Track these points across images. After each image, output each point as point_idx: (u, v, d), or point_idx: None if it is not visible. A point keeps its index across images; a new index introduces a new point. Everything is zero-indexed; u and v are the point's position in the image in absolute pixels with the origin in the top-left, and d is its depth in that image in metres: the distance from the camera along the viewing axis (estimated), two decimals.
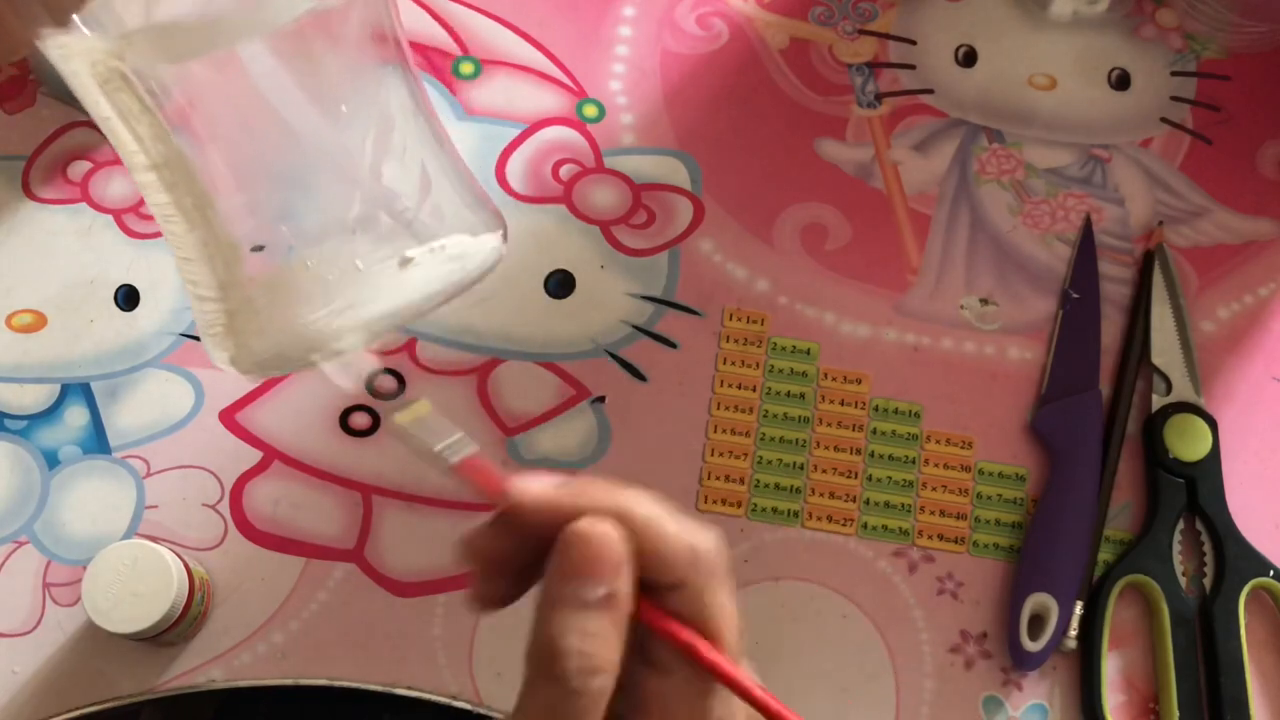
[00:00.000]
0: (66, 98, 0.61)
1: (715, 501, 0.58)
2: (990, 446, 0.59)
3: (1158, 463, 0.58)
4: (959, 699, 0.56)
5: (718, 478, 0.58)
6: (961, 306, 0.62)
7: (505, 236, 0.41)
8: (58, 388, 0.59)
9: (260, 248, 0.37)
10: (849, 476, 0.59)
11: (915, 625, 0.57)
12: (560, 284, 0.61)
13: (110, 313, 0.60)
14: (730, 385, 0.60)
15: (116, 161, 0.61)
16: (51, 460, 0.58)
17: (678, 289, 0.61)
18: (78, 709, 0.54)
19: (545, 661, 0.32)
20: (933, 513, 0.58)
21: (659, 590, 0.33)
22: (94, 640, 0.55)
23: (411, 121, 0.39)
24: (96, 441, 0.58)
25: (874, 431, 0.59)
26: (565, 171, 0.63)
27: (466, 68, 0.65)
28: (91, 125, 0.61)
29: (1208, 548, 0.57)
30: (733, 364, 0.60)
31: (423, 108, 0.39)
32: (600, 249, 0.62)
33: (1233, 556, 0.56)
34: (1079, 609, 0.56)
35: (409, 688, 0.55)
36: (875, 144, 0.65)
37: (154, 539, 0.55)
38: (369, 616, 0.56)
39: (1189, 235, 0.63)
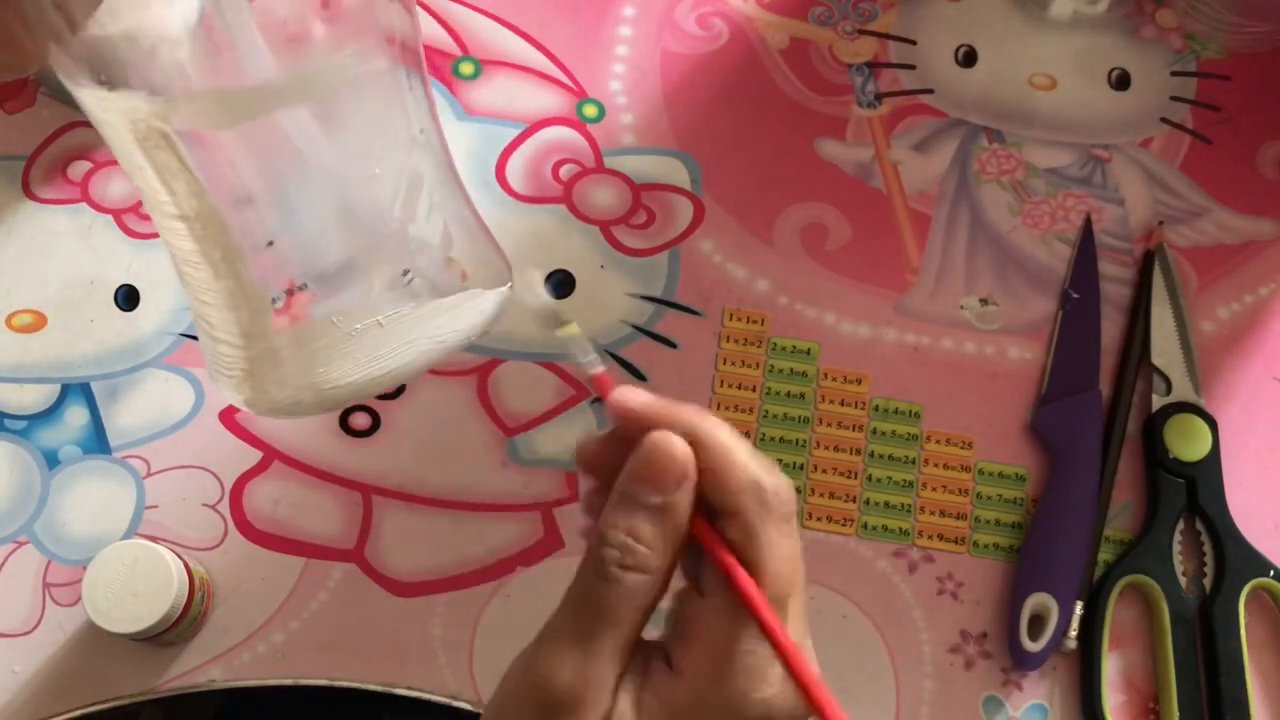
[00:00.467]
0: (66, 98, 0.61)
1: None
2: (990, 446, 0.59)
3: (1158, 463, 0.58)
4: (959, 699, 0.56)
5: None
6: (961, 306, 0.62)
7: (512, 285, 0.42)
8: (58, 388, 0.59)
9: (286, 299, 0.37)
10: (849, 476, 0.59)
11: (915, 625, 0.57)
12: (560, 284, 0.61)
13: (110, 313, 0.60)
14: (730, 385, 0.60)
15: (117, 162, 0.61)
16: (51, 460, 0.58)
17: (678, 289, 0.61)
18: (78, 709, 0.54)
19: (592, 549, 0.34)
20: (933, 513, 0.58)
21: (719, 515, 0.35)
22: (94, 640, 0.55)
23: (439, 182, 0.40)
24: (96, 441, 0.58)
25: (874, 431, 0.59)
26: (565, 171, 0.63)
27: (466, 68, 0.65)
28: (92, 125, 0.61)
29: (1208, 548, 0.57)
30: (733, 364, 0.60)
31: (450, 165, 0.40)
32: (600, 249, 0.62)
33: (1233, 556, 0.56)
34: (1079, 609, 0.56)
35: (409, 688, 0.55)
36: (875, 144, 0.65)
37: (154, 539, 0.55)
38: (369, 616, 0.56)
39: (1189, 235, 0.63)
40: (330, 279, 0.37)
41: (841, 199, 0.63)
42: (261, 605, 0.56)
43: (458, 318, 0.39)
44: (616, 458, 0.36)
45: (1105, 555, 0.57)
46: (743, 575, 0.34)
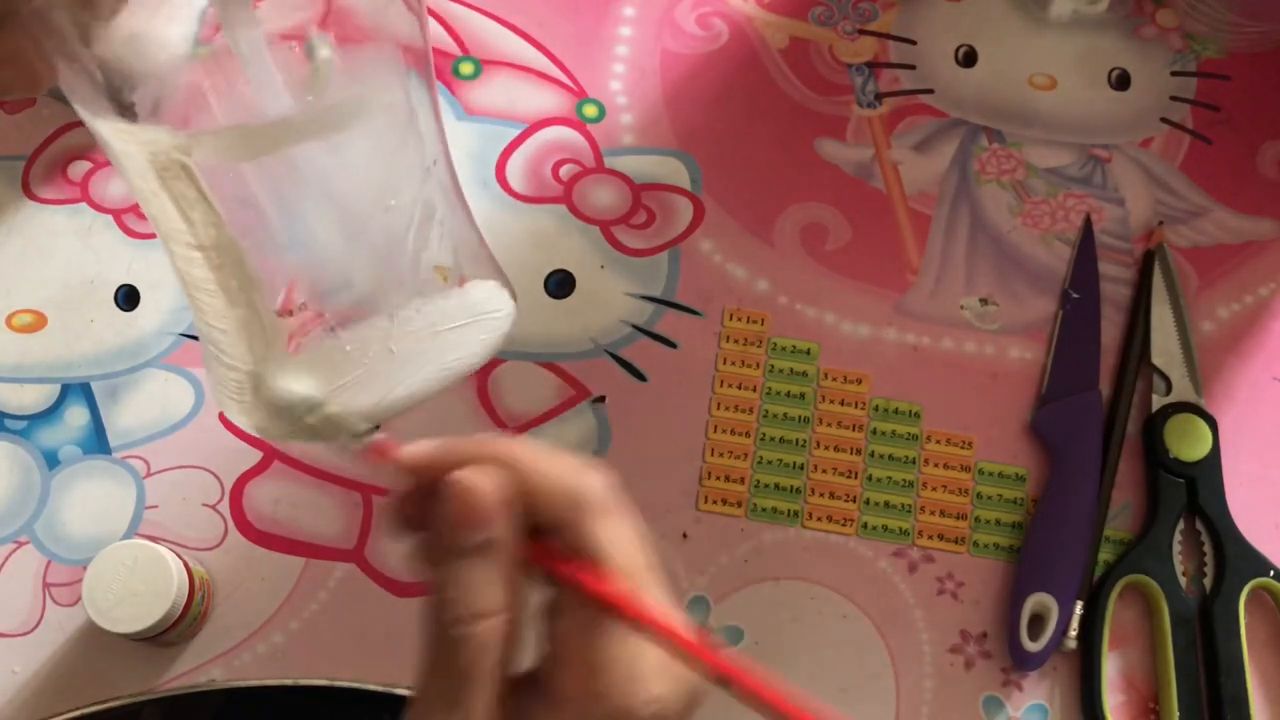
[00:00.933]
0: (66, 98, 0.61)
1: (715, 501, 0.58)
2: (990, 446, 0.59)
3: (1158, 463, 0.58)
4: (959, 699, 0.56)
5: (718, 478, 0.58)
6: (961, 306, 0.62)
7: (515, 304, 0.42)
8: (58, 388, 0.59)
9: (299, 326, 0.37)
10: (849, 476, 0.59)
11: (915, 625, 0.57)
12: (560, 284, 0.61)
13: (110, 313, 0.60)
14: (730, 385, 0.60)
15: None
16: (52, 460, 0.58)
17: (678, 289, 0.61)
18: (78, 709, 0.54)
19: (431, 613, 0.32)
20: (933, 513, 0.58)
21: (548, 533, 0.33)
22: (94, 640, 0.55)
23: (449, 209, 0.40)
24: (96, 441, 0.58)
25: (874, 431, 0.59)
26: (565, 171, 0.63)
27: (466, 68, 0.65)
28: None
29: (1208, 548, 0.57)
30: (733, 364, 0.60)
31: (458, 188, 0.41)
32: (600, 249, 0.62)
33: (1233, 556, 0.56)
34: (1079, 609, 0.56)
35: (409, 688, 0.55)
36: (875, 144, 0.65)
37: (154, 539, 0.55)
38: (369, 616, 0.56)
39: (1189, 235, 0.63)
40: (344, 308, 0.37)
41: (841, 199, 0.63)
42: (261, 605, 0.56)
43: (468, 341, 0.40)
44: (420, 510, 0.34)
45: (1105, 555, 0.57)
46: (590, 580, 0.32)
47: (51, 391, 0.59)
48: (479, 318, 0.40)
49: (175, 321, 0.60)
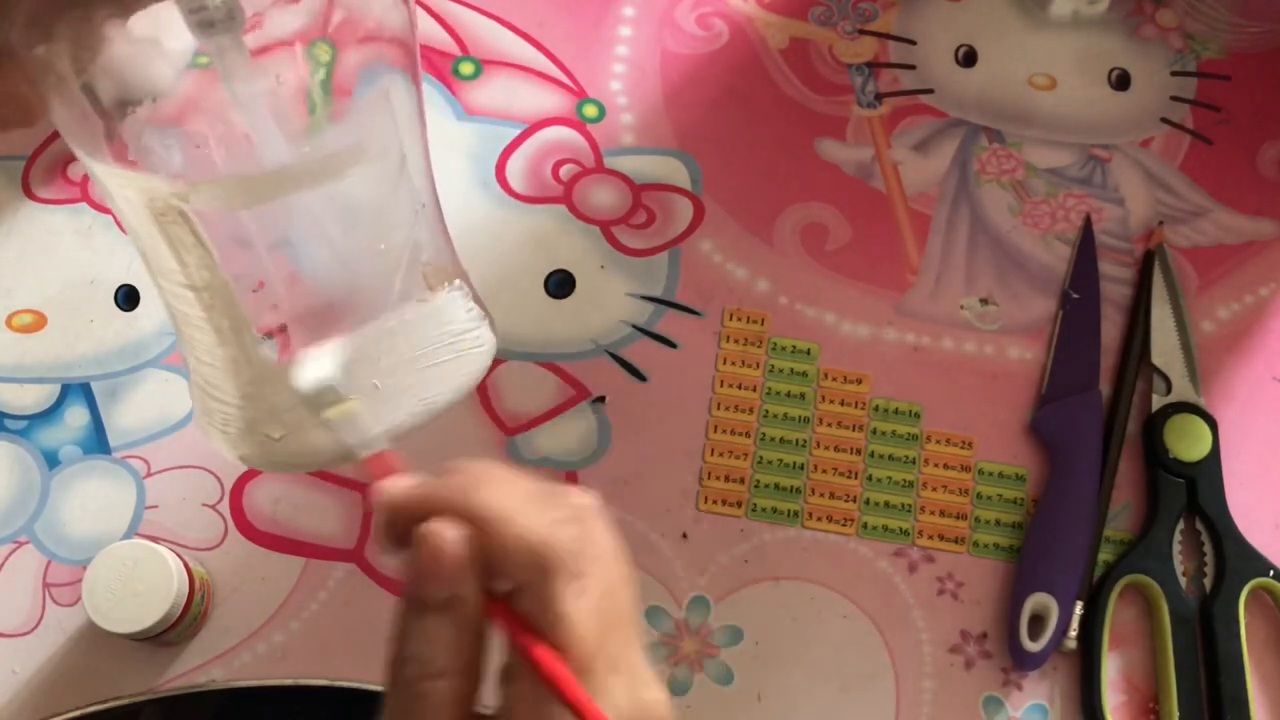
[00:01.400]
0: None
1: (715, 501, 0.58)
2: (990, 446, 0.59)
3: (1158, 463, 0.58)
4: (959, 699, 0.56)
5: (718, 478, 0.58)
6: (961, 306, 0.62)
7: (496, 338, 0.43)
8: (58, 388, 0.59)
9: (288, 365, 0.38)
10: (849, 476, 0.59)
11: (915, 625, 0.57)
12: (560, 284, 0.61)
13: (110, 313, 0.60)
14: (730, 385, 0.60)
15: None
16: (52, 460, 0.58)
17: (678, 289, 0.61)
18: (78, 709, 0.54)
19: (392, 665, 0.33)
20: (933, 513, 0.58)
21: (514, 591, 0.33)
22: (94, 640, 0.55)
23: (436, 250, 0.41)
24: (96, 441, 0.58)
25: (874, 431, 0.59)
26: (565, 171, 0.63)
27: (466, 68, 0.65)
28: None
29: (1208, 548, 0.57)
30: (733, 364, 0.60)
31: (443, 225, 0.41)
32: (600, 249, 0.62)
33: (1233, 556, 0.56)
34: (1079, 609, 0.56)
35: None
36: (875, 144, 0.65)
37: (154, 539, 0.55)
38: (369, 616, 0.56)
39: (1189, 235, 0.63)
40: (333, 345, 0.38)
41: (841, 199, 0.63)
42: (261, 605, 0.56)
43: (451, 375, 0.40)
44: (406, 539, 0.34)
45: (1105, 555, 0.57)
46: (539, 654, 0.32)
47: (51, 391, 0.59)
48: (462, 353, 0.40)
49: None
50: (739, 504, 0.58)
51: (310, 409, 0.37)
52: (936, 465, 0.59)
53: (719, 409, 0.60)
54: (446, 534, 0.32)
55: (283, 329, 0.38)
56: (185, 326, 0.39)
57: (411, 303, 0.39)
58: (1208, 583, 0.57)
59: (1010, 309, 0.62)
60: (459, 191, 0.63)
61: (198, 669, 0.55)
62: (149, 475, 0.58)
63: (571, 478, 0.58)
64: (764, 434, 0.59)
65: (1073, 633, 0.55)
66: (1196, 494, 0.58)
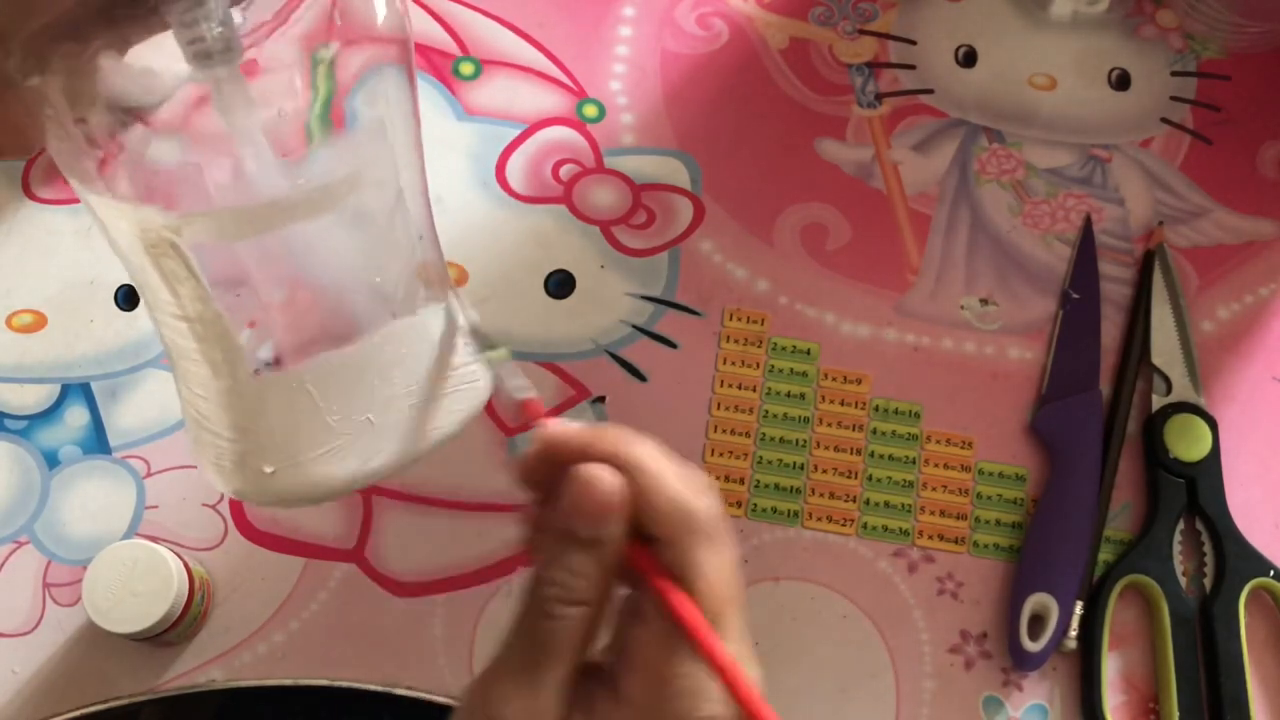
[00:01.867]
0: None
1: None
2: (990, 446, 0.59)
3: (1158, 463, 0.58)
4: (959, 699, 0.56)
5: (718, 478, 0.58)
6: (961, 306, 0.62)
7: (491, 375, 0.43)
8: (58, 388, 0.59)
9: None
10: (849, 476, 0.59)
11: (915, 625, 0.57)
12: (560, 284, 0.61)
13: (110, 313, 0.60)
14: (730, 385, 0.60)
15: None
16: (52, 460, 0.58)
17: (678, 289, 0.61)
18: (78, 709, 0.54)
19: (532, 586, 0.35)
20: (933, 513, 0.58)
21: (651, 540, 0.35)
22: (94, 640, 0.55)
23: (434, 283, 0.41)
24: (96, 441, 0.58)
25: (874, 431, 0.59)
26: (565, 171, 0.63)
27: (466, 68, 0.65)
28: None
29: (1208, 548, 0.57)
30: (733, 364, 0.60)
31: (439, 252, 0.42)
32: (600, 249, 0.62)
33: (1233, 556, 0.56)
34: (1079, 609, 0.56)
35: (409, 688, 0.55)
36: (875, 144, 0.65)
37: (154, 539, 0.55)
38: (369, 616, 0.56)
39: (1189, 235, 0.63)
40: (327, 379, 0.38)
41: (841, 199, 0.63)
42: (261, 605, 0.56)
43: (446, 411, 0.40)
44: (545, 475, 0.36)
45: (1105, 555, 0.57)
46: (677, 599, 0.34)
47: (51, 391, 0.59)
48: (457, 389, 0.41)
49: None
50: (739, 504, 0.58)
51: (476, 347, 0.38)
52: (936, 465, 0.59)
53: (719, 409, 0.60)
54: (606, 476, 0.34)
55: (278, 361, 0.38)
56: (179, 358, 0.39)
57: (408, 335, 0.39)
58: (1208, 583, 0.57)
59: (1010, 309, 0.62)
60: (459, 191, 0.63)
61: (198, 669, 0.55)
62: (149, 475, 0.58)
63: None
64: (764, 434, 0.59)
65: (1073, 633, 0.55)
66: (1196, 494, 0.58)
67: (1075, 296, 0.61)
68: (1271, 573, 0.56)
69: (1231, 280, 0.63)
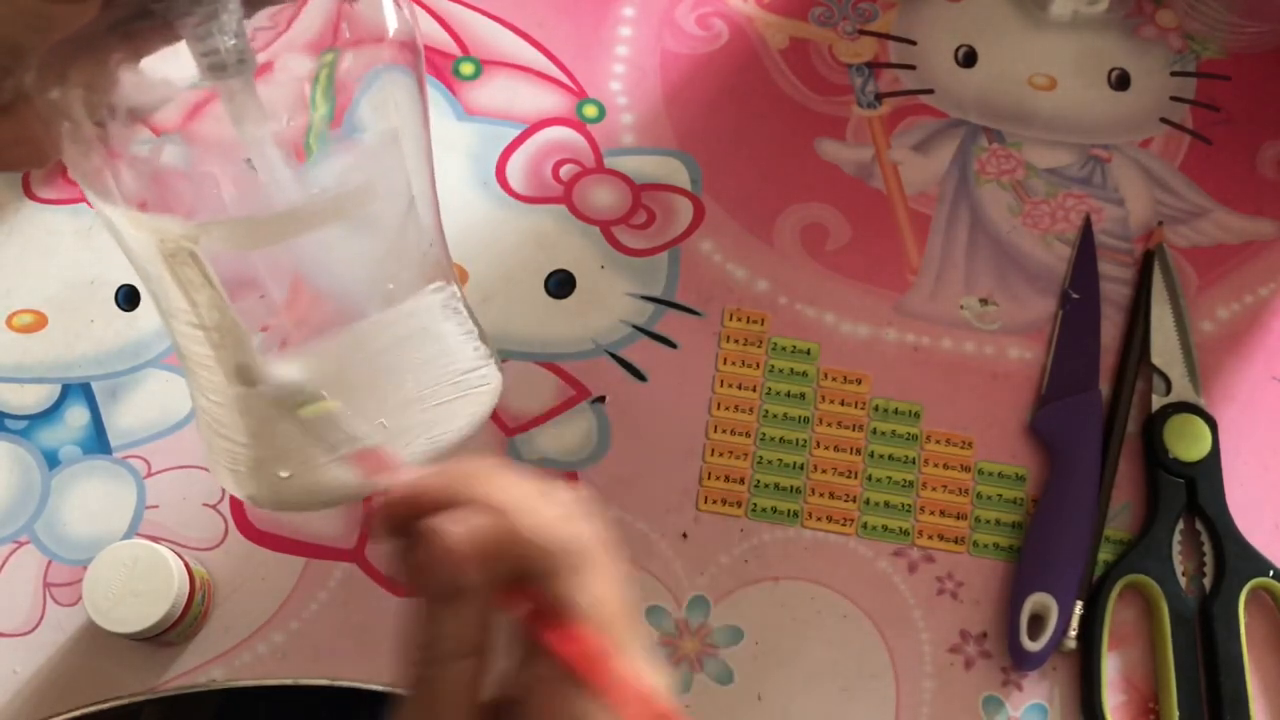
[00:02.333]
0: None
1: (715, 501, 0.58)
2: (990, 446, 0.59)
3: (1158, 463, 0.58)
4: (959, 699, 0.56)
5: (718, 478, 0.59)
6: (961, 306, 0.62)
7: (502, 377, 0.43)
8: (58, 388, 0.59)
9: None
10: (849, 476, 0.59)
11: (915, 625, 0.57)
12: (560, 284, 0.61)
13: (110, 313, 0.60)
14: (730, 385, 0.60)
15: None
16: (52, 460, 0.58)
17: (678, 289, 0.61)
18: (78, 709, 0.54)
19: (404, 649, 0.34)
20: (933, 513, 0.58)
21: (528, 579, 0.33)
22: (94, 640, 0.55)
23: (446, 289, 0.41)
24: (97, 441, 0.58)
25: (874, 431, 0.59)
26: (565, 171, 0.63)
27: (466, 68, 0.65)
28: None
29: (1207, 548, 0.57)
30: (733, 364, 0.60)
31: (449, 258, 0.42)
32: (600, 249, 0.62)
33: (1233, 556, 0.56)
34: (1079, 609, 0.56)
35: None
36: (875, 144, 0.65)
37: (154, 539, 0.55)
38: (369, 616, 0.56)
39: (1189, 235, 0.63)
40: (340, 385, 0.38)
41: (841, 199, 0.63)
42: (261, 605, 0.56)
43: (457, 414, 0.41)
44: (412, 527, 0.34)
45: (1105, 555, 0.57)
46: (557, 637, 0.33)
47: (51, 391, 0.59)
48: (468, 392, 0.41)
49: None
50: (739, 504, 0.58)
51: (285, 409, 0.37)
52: (936, 465, 0.59)
53: (719, 409, 0.60)
54: (450, 529, 0.33)
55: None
56: (194, 366, 0.39)
57: (420, 341, 0.40)
58: (1207, 583, 0.57)
59: (1010, 309, 0.62)
60: (459, 192, 0.63)
61: (198, 669, 0.55)
62: (149, 475, 0.58)
63: (572, 478, 0.58)
64: (764, 434, 0.59)
65: (1072, 632, 0.55)
66: (1196, 494, 0.58)
67: (1075, 296, 0.61)
68: (1271, 573, 0.56)
69: (1231, 280, 0.63)
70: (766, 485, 0.59)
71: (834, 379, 0.60)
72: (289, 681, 0.55)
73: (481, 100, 0.65)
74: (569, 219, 0.62)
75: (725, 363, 0.60)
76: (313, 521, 0.57)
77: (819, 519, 0.58)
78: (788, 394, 0.60)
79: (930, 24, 0.67)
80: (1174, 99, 0.66)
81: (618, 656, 0.33)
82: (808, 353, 0.61)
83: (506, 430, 0.59)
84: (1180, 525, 0.58)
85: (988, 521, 0.58)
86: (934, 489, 0.59)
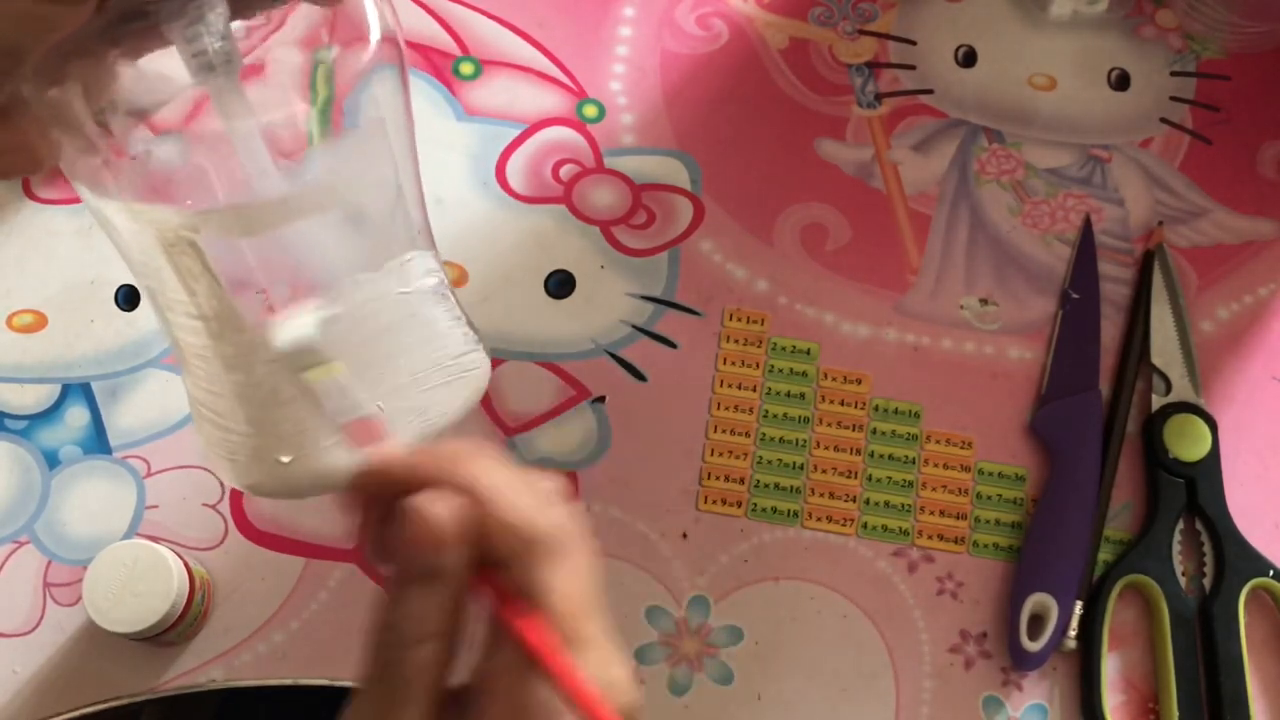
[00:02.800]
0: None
1: (715, 501, 0.58)
2: (990, 446, 0.59)
3: (1158, 463, 0.58)
4: (959, 699, 0.56)
5: (718, 478, 0.59)
6: (961, 306, 0.62)
7: (489, 361, 0.44)
8: (58, 388, 0.59)
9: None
10: (849, 476, 0.59)
11: (915, 625, 0.57)
12: (560, 284, 0.61)
13: (110, 313, 0.60)
14: (730, 385, 0.60)
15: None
16: (52, 460, 0.58)
17: (678, 289, 0.61)
18: (78, 709, 0.54)
19: (372, 630, 0.34)
20: (933, 513, 0.58)
21: (497, 563, 0.33)
22: (94, 640, 0.55)
23: (432, 276, 0.42)
24: (97, 441, 0.58)
25: (874, 431, 0.59)
26: (565, 171, 0.63)
27: (466, 68, 0.65)
28: None
29: (1207, 548, 0.57)
30: (733, 364, 0.60)
31: (436, 252, 0.42)
32: (600, 249, 0.62)
33: (1232, 556, 0.56)
34: (1079, 609, 0.56)
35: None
36: (875, 144, 0.65)
37: (154, 539, 0.55)
38: (369, 616, 0.56)
39: (1189, 235, 0.63)
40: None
41: (841, 199, 0.63)
42: (261, 605, 0.56)
43: (448, 398, 0.41)
44: (387, 503, 0.34)
45: (1105, 555, 0.57)
46: (524, 625, 0.33)
47: (51, 391, 0.59)
48: (458, 376, 0.41)
49: None
50: (739, 504, 0.58)
51: (290, 370, 0.37)
52: (936, 465, 0.59)
53: (719, 409, 0.60)
54: (435, 508, 0.33)
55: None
56: (192, 358, 0.39)
57: (411, 326, 0.40)
58: (1207, 583, 0.57)
59: (1010, 309, 0.62)
60: (459, 191, 0.63)
61: (198, 669, 0.55)
62: (149, 475, 0.58)
63: (571, 477, 0.58)
64: (764, 434, 0.59)
65: (1072, 632, 0.55)
66: (1196, 494, 0.58)
67: (1075, 296, 0.61)
68: (1271, 573, 0.56)
69: (1231, 280, 0.63)
70: (766, 485, 0.59)
71: (834, 379, 0.60)
72: (289, 681, 0.55)
73: (481, 100, 0.65)
74: (569, 219, 0.62)
75: (725, 363, 0.60)
76: (313, 521, 0.57)
77: (819, 519, 0.58)
78: (788, 394, 0.60)
79: (930, 24, 0.67)
80: (1174, 99, 0.66)
81: (578, 650, 0.33)
82: (808, 353, 0.61)
83: (506, 430, 0.59)
84: (1180, 525, 0.58)
85: (987, 521, 0.58)
86: (934, 489, 0.59)
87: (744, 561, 0.57)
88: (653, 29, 0.66)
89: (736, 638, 0.56)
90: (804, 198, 0.63)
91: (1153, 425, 0.59)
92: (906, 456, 0.59)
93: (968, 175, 0.64)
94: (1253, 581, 0.56)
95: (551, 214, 0.63)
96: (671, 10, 0.67)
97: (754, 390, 0.60)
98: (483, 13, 0.66)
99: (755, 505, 0.58)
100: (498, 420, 0.59)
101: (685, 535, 0.58)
